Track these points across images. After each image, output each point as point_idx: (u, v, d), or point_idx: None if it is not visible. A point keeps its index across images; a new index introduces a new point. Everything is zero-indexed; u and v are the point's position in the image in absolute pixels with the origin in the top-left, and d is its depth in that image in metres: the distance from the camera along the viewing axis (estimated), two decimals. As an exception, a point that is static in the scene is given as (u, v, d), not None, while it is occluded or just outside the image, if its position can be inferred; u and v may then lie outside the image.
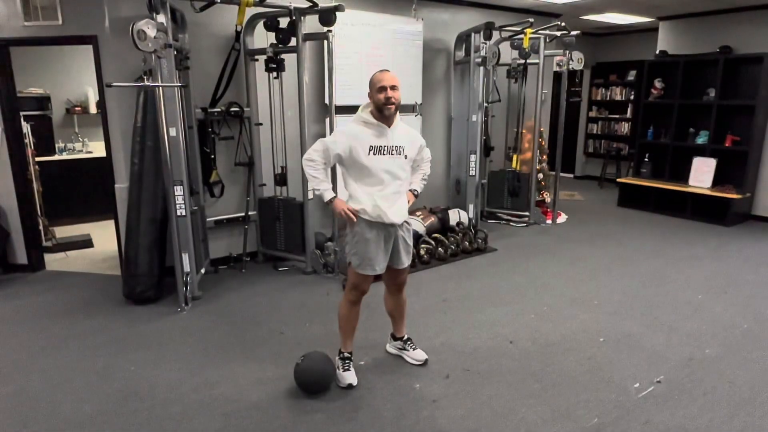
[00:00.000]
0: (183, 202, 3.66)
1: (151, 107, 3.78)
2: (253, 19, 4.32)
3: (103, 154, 4.54)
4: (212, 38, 4.32)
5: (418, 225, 4.98)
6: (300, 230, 4.47)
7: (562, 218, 6.46)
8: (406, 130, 2.72)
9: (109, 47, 4.01)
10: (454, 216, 5.44)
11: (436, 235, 4.98)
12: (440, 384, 2.79)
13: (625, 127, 8.94)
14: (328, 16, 3.98)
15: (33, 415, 2.54)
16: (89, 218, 6.17)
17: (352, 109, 4.92)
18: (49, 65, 6.25)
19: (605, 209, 7.13)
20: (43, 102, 6.09)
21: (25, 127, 4.76)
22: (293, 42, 4.13)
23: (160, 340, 3.30)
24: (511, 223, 6.19)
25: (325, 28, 4.02)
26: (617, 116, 9.03)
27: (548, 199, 6.53)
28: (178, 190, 3.64)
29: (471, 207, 5.53)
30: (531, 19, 5.45)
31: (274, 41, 4.22)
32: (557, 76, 6.77)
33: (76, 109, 6.46)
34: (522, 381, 2.83)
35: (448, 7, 5.77)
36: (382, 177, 2.59)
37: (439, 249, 4.84)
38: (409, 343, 3.04)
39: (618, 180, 7.39)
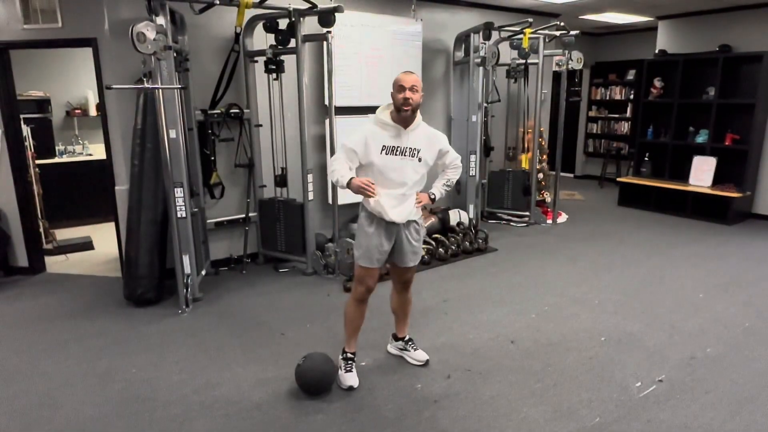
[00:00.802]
0: (183, 203, 3.66)
1: (151, 109, 3.78)
2: (253, 21, 4.32)
3: (103, 156, 4.54)
4: (212, 40, 4.32)
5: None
6: (300, 231, 4.47)
7: (563, 218, 6.45)
8: (427, 133, 2.69)
9: (109, 49, 4.02)
10: (455, 216, 5.44)
11: (436, 235, 4.98)
12: (442, 384, 2.79)
13: (624, 127, 8.94)
14: (327, 17, 3.98)
15: (34, 418, 2.54)
16: (89, 220, 6.17)
17: (351, 110, 4.99)
18: (49, 68, 6.26)
19: (605, 209, 7.13)
20: (43, 105, 6.09)
21: (25, 130, 4.76)
22: (293, 43, 4.14)
23: (161, 341, 3.30)
24: (512, 223, 6.19)
25: (325, 29, 4.02)
26: (617, 116, 9.03)
27: (548, 199, 6.53)
28: (179, 192, 3.64)
29: (471, 207, 5.54)
30: (530, 19, 5.45)
31: (274, 43, 4.23)
32: (557, 75, 6.78)
33: (76, 111, 6.47)
34: (523, 381, 2.82)
35: (447, 8, 5.77)
36: (390, 177, 2.60)
37: (440, 249, 4.84)
38: (410, 343, 3.05)
39: (618, 179, 7.40)
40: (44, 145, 5.93)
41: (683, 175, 6.67)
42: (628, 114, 8.84)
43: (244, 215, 4.67)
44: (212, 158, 4.39)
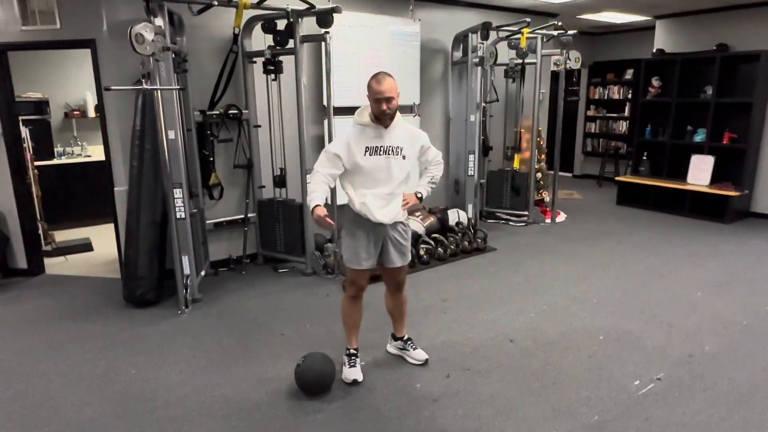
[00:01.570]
0: (182, 204, 3.67)
1: (149, 110, 3.78)
2: (251, 22, 4.32)
3: (101, 157, 4.54)
4: (210, 41, 4.32)
5: (418, 225, 4.99)
6: (300, 232, 4.47)
7: (561, 217, 6.46)
8: (406, 130, 2.71)
9: (108, 51, 4.02)
10: (454, 216, 5.45)
11: (435, 235, 4.99)
12: (441, 383, 2.80)
13: (623, 126, 8.95)
14: (325, 18, 3.99)
15: (34, 419, 2.55)
16: (89, 222, 6.18)
17: (350, 111, 4.93)
18: (48, 69, 6.25)
19: (604, 208, 7.14)
20: (42, 106, 6.10)
21: (24, 132, 4.76)
22: (291, 44, 4.14)
23: (160, 342, 3.30)
24: (510, 223, 6.19)
25: (323, 30, 4.03)
26: (615, 115, 9.05)
27: (547, 199, 6.54)
28: (178, 193, 3.65)
29: (470, 207, 5.54)
30: (528, 19, 5.46)
31: (272, 43, 4.23)
32: (555, 75, 6.79)
33: (75, 112, 6.47)
34: (522, 379, 2.83)
35: (445, 8, 5.78)
36: (376, 177, 2.61)
37: (439, 249, 4.85)
38: (409, 343, 3.05)
39: (616, 178, 7.41)
40: (43, 147, 5.93)
41: (681, 174, 6.68)
42: (627, 113, 8.86)
43: (243, 216, 4.67)
44: (211, 159, 4.39)
